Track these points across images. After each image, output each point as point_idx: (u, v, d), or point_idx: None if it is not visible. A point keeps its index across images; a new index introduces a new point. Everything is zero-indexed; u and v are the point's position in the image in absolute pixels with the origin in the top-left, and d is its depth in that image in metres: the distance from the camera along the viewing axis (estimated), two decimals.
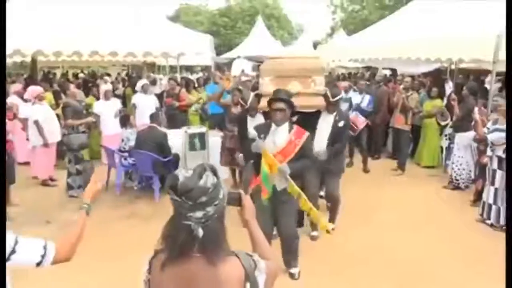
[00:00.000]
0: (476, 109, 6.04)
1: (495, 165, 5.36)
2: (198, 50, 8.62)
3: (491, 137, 5.29)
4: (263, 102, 4.49)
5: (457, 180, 7.00)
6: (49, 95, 8.52)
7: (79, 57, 9.64)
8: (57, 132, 6.92)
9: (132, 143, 6.51)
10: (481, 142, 5.87)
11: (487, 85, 10.45)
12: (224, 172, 6.72)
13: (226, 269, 1.46)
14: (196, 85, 11.21)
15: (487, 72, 12.86)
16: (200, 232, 1.42)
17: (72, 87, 6.65)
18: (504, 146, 5.15)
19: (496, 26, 6.93)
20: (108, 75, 16.56)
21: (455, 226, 5.56)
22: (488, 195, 5.49)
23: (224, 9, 36.75)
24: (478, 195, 6.03)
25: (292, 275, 4.17)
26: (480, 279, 4.19)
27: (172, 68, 15.67)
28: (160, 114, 6.92)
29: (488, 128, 5.44)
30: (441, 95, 8.48)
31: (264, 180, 3.70)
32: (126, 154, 6.56)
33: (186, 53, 8.90)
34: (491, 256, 4.64)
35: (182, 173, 1.44)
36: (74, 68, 19.91)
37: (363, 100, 8.08)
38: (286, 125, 3.79)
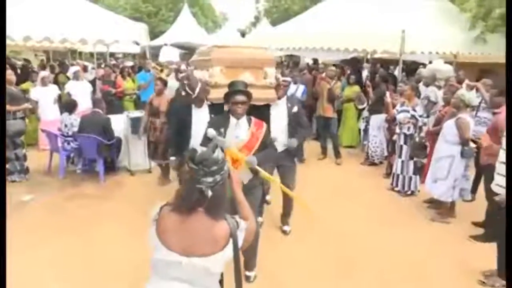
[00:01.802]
0: (388, 93, 6.97)
1: (401, 141, 6.31)
2: (134, 38, 8.76)
3: (399, 117, 6.24)
4: (214, 94, 4.26)
5: (373, 157, 7.98)
6: None
7: None
8: None
9: (75, 128, 6.66)
10: (393, 122, 6.79)
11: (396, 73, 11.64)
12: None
13: (217, 226, 1.94)
14: (130, 71, 11.35)
15: (396, 62, 14.18)
16: (209, 193, 1.88)
17: (9, 73, 6.60)
18: (409, 124, 6.14)
19: (401, 23, 7.98)
20: (27, 60, 15.81)
21: (371, 195, 6.49)
22: (396, 167, 6.46)
23: None
24: (391, 168, 6.94)
25: (248, 278, 3.92)
26: (391, 234, 5.11)
27: (93, 54, 15.50)
28: (101, 100, 7.10)
29: (397, 110, 6.39)
30: (359, 82, 9.40)
31: None
32: (70, 138, 6.71)
33: (121, 41, 8.98)
34: (400, 217, 5.63)
35: (199, 149, 1.94)
36: None
37: (298, 90, 8.34)
38: (245, 118, 3.63)
